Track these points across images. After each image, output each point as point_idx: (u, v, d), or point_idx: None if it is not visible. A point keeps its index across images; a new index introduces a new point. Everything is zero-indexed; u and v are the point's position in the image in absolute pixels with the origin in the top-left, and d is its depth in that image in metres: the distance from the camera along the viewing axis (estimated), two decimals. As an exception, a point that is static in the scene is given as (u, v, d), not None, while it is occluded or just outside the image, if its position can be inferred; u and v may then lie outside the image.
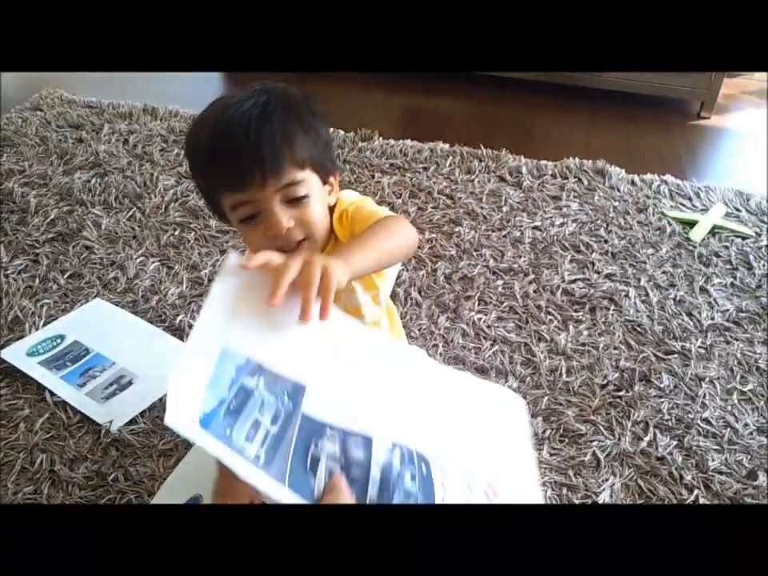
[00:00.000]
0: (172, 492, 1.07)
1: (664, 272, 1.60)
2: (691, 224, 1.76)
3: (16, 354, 1.29)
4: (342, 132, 2.11)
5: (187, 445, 1.14)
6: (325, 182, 0.90)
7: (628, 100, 2.46)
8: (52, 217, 1.69)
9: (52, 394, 1.22)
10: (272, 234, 0.84)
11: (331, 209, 0.93)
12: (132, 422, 1.18)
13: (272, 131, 0.81)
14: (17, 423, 1.18)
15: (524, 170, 1.95)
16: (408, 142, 2.08)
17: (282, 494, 0.60)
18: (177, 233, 1.65)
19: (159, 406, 1.21)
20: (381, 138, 2.09)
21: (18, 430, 1.17)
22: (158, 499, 1.06)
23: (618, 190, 1.89)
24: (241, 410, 0.62)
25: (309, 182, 0.85)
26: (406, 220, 0.90)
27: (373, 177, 1.91)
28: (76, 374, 1.26)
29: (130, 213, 1.72)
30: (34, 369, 1.26)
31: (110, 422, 1.16)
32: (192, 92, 2.49)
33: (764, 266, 1.62)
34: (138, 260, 1.56)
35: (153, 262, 1.56)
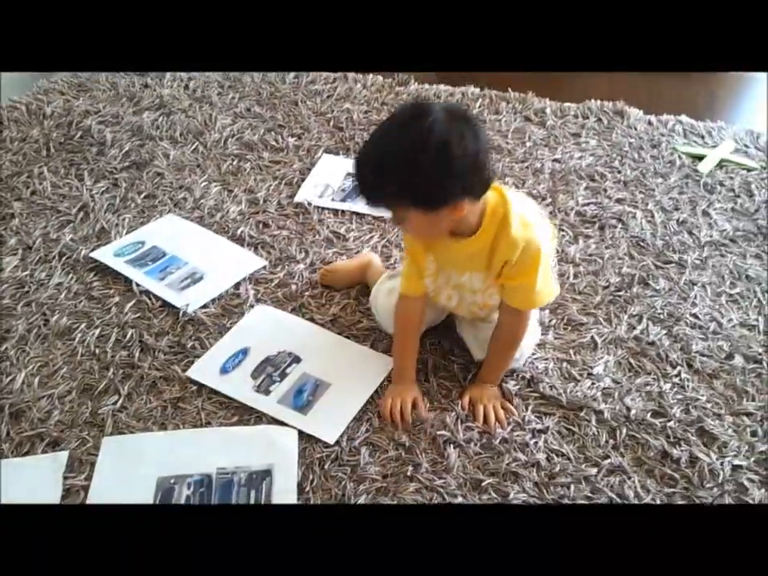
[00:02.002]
0: (226, 344, 1.33)
1: (670, 198, 1.76)
2: (701, 158, 1.92)
3: (105, 255, 1.53)
4: (380, 78, 2.30)
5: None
6: (433, 209, 1.00)
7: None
8: (126, 149, 1.92)
9: (137, 285, 1.47)
10: None
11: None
12: (204, 306, 1.42)
13: (374, 183, 1.01)
14: (109, 307, 1.43)
15: (548, 110, 2.12)
16: (441, 86, 2.26)
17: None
18: (235, 162, 1.88)
19: (226, 297, 1.45)
20: (416, 83, 2.27)
21: (110, 312, 1.42)
22: (215, 348, 1.32)
23: (635, 129, 2.04)
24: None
25: (400, 214, 1.04)
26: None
27: (408, 117, 2.09)
28: (156, 270, 1.50)
29: (194, 146, 1.95)
30: (121, 266, 1.50)
31: (187, 304, 1.40)
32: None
33: (764, 193, 1.78)
34: (203, 184, 1.79)
35: (215, 186, 1.79)
